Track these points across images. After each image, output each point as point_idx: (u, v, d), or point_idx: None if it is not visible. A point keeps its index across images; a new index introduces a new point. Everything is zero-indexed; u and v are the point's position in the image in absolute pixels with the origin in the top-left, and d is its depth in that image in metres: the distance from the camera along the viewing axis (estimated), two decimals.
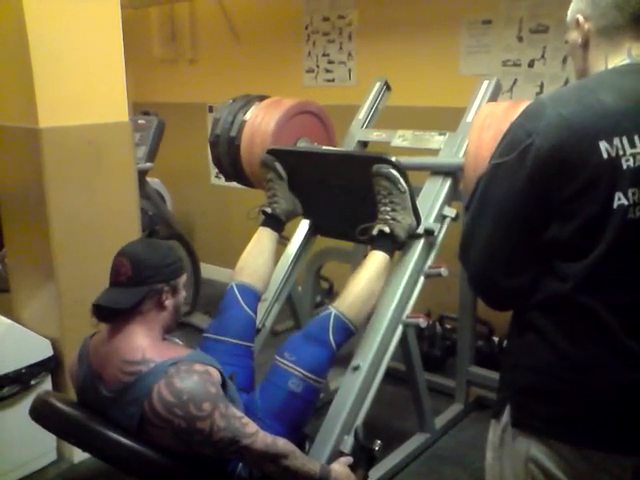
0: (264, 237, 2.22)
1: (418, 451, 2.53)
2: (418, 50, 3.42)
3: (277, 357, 1.81)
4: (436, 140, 2.36)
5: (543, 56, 3.03)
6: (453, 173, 2.22)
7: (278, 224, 2.25)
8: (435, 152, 2.34)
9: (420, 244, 2.12)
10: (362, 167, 2.03)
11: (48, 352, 2.41)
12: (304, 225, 2.52)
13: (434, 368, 3.11)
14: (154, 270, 1.51)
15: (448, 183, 2.22)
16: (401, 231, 2.00)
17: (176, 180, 4.53)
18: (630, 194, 1.05)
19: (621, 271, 1.08)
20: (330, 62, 3.83)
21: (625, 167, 1.04)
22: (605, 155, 1.04)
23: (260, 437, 1.48)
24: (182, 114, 4.50)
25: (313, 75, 3.93)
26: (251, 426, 1.48)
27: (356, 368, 1.95)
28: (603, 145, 1.04)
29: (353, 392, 1.90)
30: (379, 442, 1.76)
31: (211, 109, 4.44)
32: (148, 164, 3.58)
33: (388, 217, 1.99)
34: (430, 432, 2.60)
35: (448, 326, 3.36)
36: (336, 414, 1.88)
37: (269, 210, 2.24)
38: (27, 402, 1.71)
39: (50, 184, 2.30)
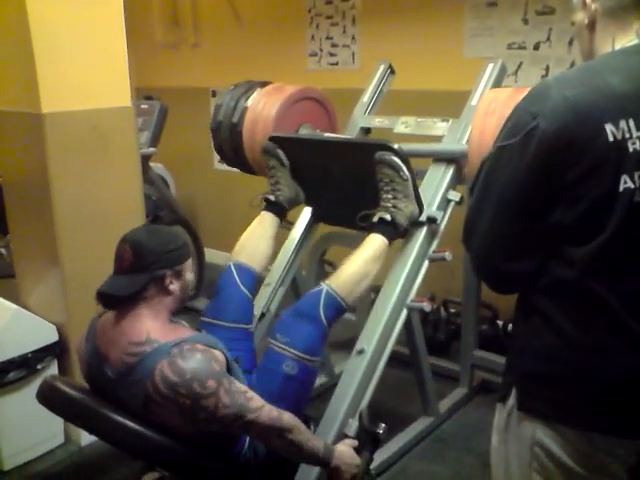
0: (266, 221, 2.21)
1: (422, 435, 2.55)
2: (422, 33, 3.39)
3: (270, 339, 1.81)
4: (439, 126, 2.34)
5: (549, 39, 3.00)
6: (456, 160, 2.20)
7: (281, 211, 2.25)
8: (438, 139, 2.32)
9: (423, 232, 2.10)
10: (364, 154, 2.02)
11: (54, 337, 2.42)
12: (307, 212, 2.52)
13: (438, 352, 3.11)
14: (156, 256, 1.51)
15: (451, 170, 2.20)
16: (402, 219, 1.99)
17: (179, 165, 4.52)
18: (636, 177, 1.03)
19: (628, 255, 1.08)
20: (334, 45, 3.80)
21: (631, 150, 1.03)
22: (611, 138, 1.02)
23: (265, 411, 1.49)
24: (185, 99, 4.48)
25: (316, 59, 3.90)
26: (256, 400, 1.49)
27: (360, 352, 1.95)
28: (609, 127, 1.02)
29: (357, 376, 1.91)
30: (383, 425, 1.76)
31: (214, 93, 4.42)
32: (151, 149, 3.57)
33: (389, 205, 1.98)
34: (434, 416, 2.61)
35: (452, 310, 3.36)
36: (341, 398, 1.89)
37: (272, 197, 2.24)
38: (34, 386, 1.73)
39: (53, 169, 2.30)
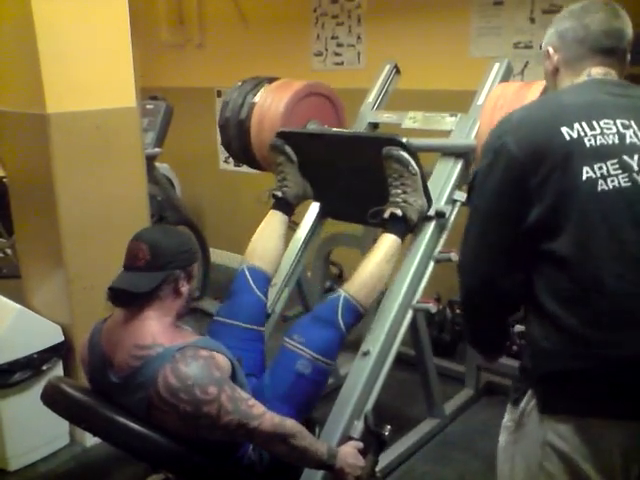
0: (275, 220, 2.22)
1: (428, 436, 2.53)
2: (428, 32, 3.37)
3: (286, 339, 1.82)
4: (447, 121, 2.34)
5: None
6: (465, 155, 2.19)
7: (288, 207, 2.25)
8: (446, 134, 2.31)
9: (431, 227, 2.10)
10: (372, 149, 2.01)
11: (59, 338, 2.42)
12: (314, 208, 2.51)
13: (444, 353, 3.10)
14: (172, 256, 1.52)
15: (459, 165, 2.20)
16: (413, 214, 1.99)
17: (185, 165, 4.52)
18: (596, 168, 1.16)
19: (611, 241, 1.13)
20: (339, 45, 3.80)
21: (588, 145, 1.17)
22: (567, 137, 1.17)
23: (267, 418, 1.48)
24: (190, 99, 4.48)
25: (322, 58, 3.89)
26: (258, 407, 1.49)
27: (366, 353, 1.94)
28: (564, 129, 1.18)
29: (363, 377, 1.90)
30: (389, 427, 1.75)
31: (219, 94, 4.42)
32: (156, 149, 3.57)
33: (400, 199, 1.98)
34: (440, 417, 2.60)
35: (458, 311, 3.35)
36: (346, 399, 1.88)
37: (279, 194, 2.24)
38: (39, 387, 1.72)
39: (58, 170, 2.30)
